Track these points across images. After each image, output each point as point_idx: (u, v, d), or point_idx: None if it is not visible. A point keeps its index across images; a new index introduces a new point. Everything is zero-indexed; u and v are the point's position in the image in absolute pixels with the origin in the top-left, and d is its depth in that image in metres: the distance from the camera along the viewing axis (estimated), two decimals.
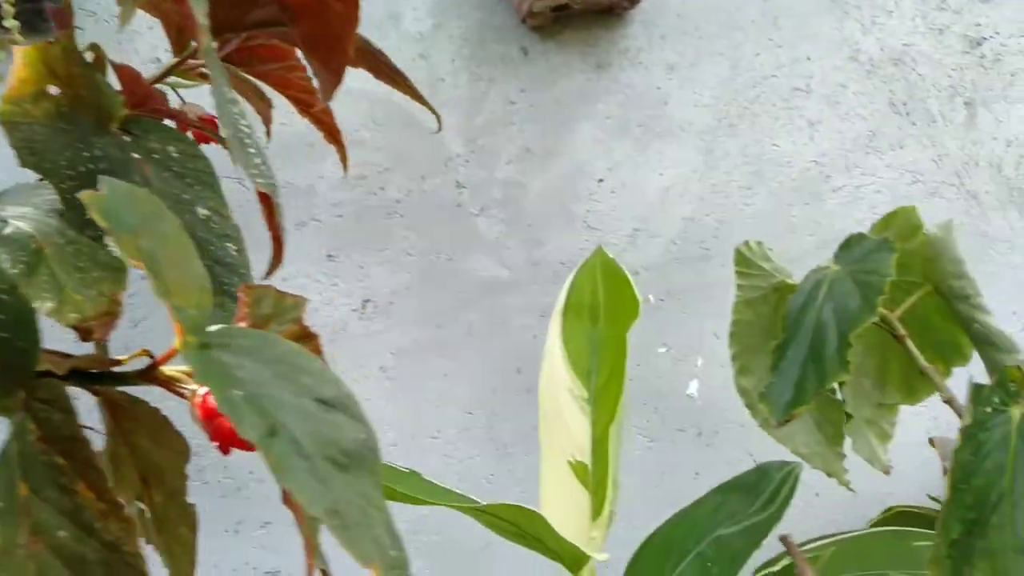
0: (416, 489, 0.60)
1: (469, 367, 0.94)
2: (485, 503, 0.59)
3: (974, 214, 1.05)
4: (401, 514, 0.94)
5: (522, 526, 0.60)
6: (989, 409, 0.38)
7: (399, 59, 0.70)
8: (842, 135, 1.04)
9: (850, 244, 0.57)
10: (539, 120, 1.00)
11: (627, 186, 1.00)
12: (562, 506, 0.73)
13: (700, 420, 0.97)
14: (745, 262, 0.62)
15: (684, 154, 1.02)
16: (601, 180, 1.00)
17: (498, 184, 0.99)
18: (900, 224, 0.59)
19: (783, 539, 0.46)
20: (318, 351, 0.43)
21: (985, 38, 1.07)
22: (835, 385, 0.65)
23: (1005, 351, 0.54)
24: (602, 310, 0.81)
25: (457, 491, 0.63)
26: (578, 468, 0.73)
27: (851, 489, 0.60)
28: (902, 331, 0.55)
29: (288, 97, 0.71)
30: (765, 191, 1.02)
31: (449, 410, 0.93)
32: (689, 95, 1.03)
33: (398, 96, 1.01)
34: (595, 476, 0.70)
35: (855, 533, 0.64)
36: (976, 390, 0.38)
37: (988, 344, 0.54)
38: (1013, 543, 0.36)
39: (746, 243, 0.62)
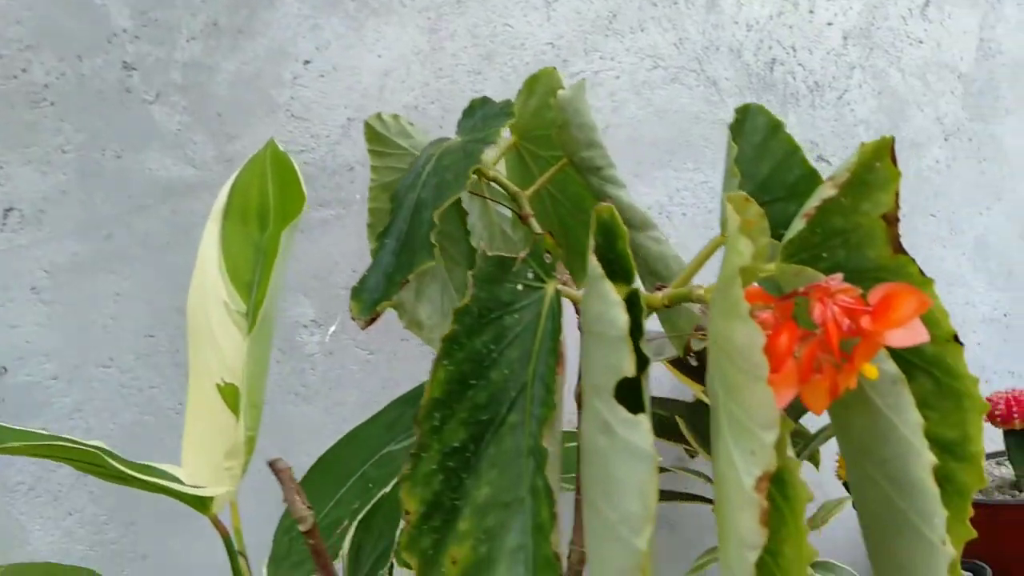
0: None
1: (147, 284, 0.81)
2: (50, 443, 0.47)
3: (714, 101, 1.01)
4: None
5: (106, 467, 0.49)
6: (520, 287, 0.31)
7: None
8: (581, 16, 0.96)
9: (473, 110, 0.48)
10: None
11: (339, 69, 0.88)
12: (209, 435, 0.63)
13: None
14: (378, 139, 0.53)
15: (405, 33, 0.90)
16: (308, 62, 0.87)
17: (177, 66, 0.83)
18: (543, 88, 0.51)
19: (271, 464, 0.38)
20: None
21: None
22: None
23: (637, 228, 0.48)
24: (272, 214, 0.69)
25: (33, 430, 0.51)
26: (227, 392, 0.63)
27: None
28: (527, 210, 0.47)
29: None
30: (496, 76, 0.93)
31: (124, 335, 0.80)
32: None
33: None
34: (243, 400, 0.60)
35: None
36: (499, 263, 0.31)
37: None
38: (528, 444, 0.29)
39: (378, 116, 0.52)
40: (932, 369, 0.27)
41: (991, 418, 0.93)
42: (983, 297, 1.13)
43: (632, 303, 0.26)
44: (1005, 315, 1.13)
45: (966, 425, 0.27)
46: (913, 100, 1.08)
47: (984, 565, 0.85)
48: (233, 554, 0.59)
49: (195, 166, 0.83)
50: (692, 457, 0.95)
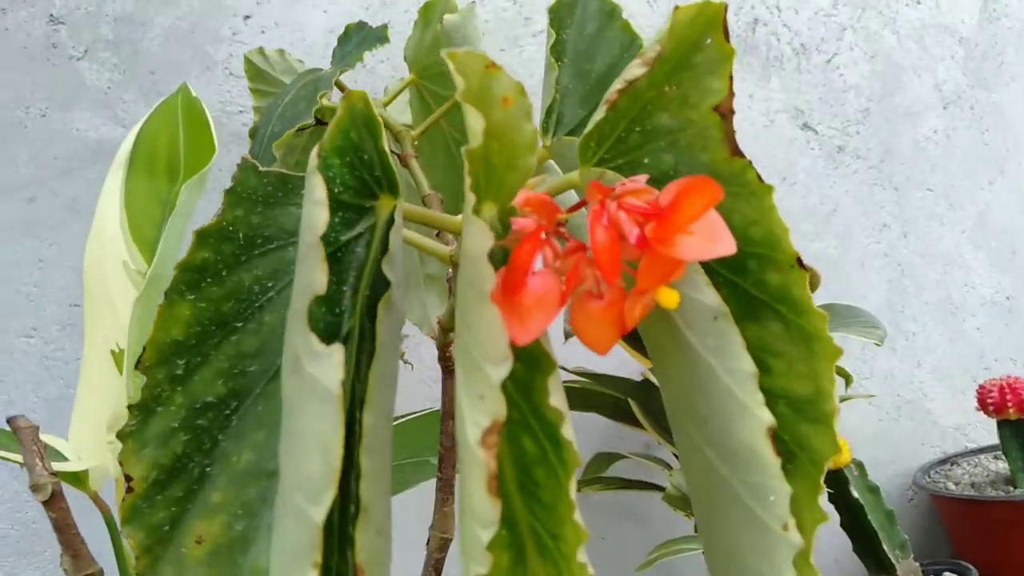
0: None
1: (73, 250, 0.77)
2: None
3: None
4: None
5: None
6: (339, 214, 0.24)
7: None
8: None
9: (348, 36, 0.43)
10: None
11: (281, 25, 0.83)
12: (99, 405, 0.58)
13: None
14: (260, 76, 0.48)
15: None
16: (247, 17, 0.82)
17: (108, 20, 0.79)
18: (440, 18, 0.46)
19: (10, 421, 0.33)
20: None
21: None
22: None
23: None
24: (183, 166, 0.64)
25: None
26: (122, 358, 0.58)
27: (408, 363, 0.49)
28: (408, 151, 0.42)
29: None
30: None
31: (48, 303, 0.76)
32: None
33: None
34: (126, 365, 0.56)
35: (408, 416, 0.54)
36: (281, 182, 0.25)
37: None
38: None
39: (259, 50, 0.47)
40: (778, 306, 0.21)
41: (984, 407, 0.86)
42: (984, 278, 1.05)
43: (390, 220, 0.20)
44: (1008, 298, 1.05)
45: (818, 376, 0.21)
46: (909, 65, 1.00)
47: (969, 566, 0.78)
48: (115, 534, 0.54)
49: (126, 126, 0.79)
50: (660, 443, 0.89)
